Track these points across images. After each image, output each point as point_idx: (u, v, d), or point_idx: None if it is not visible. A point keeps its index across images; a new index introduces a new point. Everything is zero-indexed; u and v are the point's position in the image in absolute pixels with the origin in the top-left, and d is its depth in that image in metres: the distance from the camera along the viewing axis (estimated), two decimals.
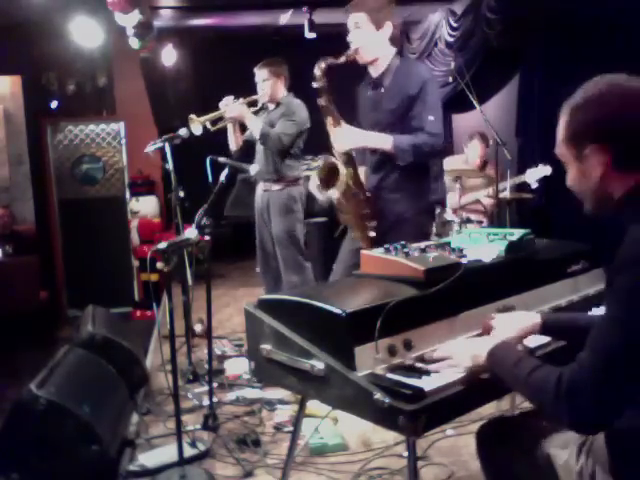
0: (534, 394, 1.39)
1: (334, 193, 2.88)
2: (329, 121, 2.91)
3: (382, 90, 2.97)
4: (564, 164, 1.49)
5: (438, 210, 4.78)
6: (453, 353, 1.59)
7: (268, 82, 4.20)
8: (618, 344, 1.26)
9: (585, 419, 1.29)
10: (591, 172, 1.41)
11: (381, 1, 2.91)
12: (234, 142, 4.30)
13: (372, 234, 2.96)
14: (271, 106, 4.30)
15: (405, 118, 2.88)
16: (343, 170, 2.86)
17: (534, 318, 1.74)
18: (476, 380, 1.54)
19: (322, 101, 2.87)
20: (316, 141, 4.22)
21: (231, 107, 4.07)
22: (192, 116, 4.06)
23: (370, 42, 2.90)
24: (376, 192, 3.00)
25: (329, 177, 2.90)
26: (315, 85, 2.85)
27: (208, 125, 4.09)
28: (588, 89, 1.42)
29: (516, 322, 1.72)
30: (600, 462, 1.46)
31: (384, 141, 2.87)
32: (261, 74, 4.22)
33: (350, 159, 2.94)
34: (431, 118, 2.83)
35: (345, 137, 2.88)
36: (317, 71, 2.83)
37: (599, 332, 1.31)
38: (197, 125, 4.04)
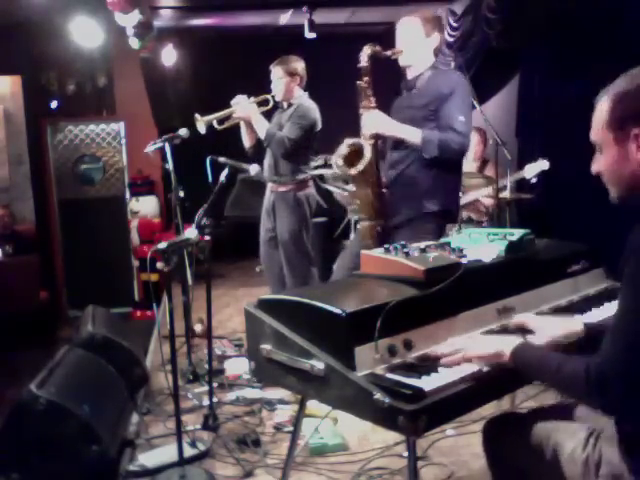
0: (566, 389, 1.49)
1: (354, 170, 2.90)
2: (363, 104, 2.95)
3: (414, 91, 3.05)
4: (598, 149, 1.53)
5: None
6: (468, 349, 1.61)
7: (282, 80, 4.10)
8: (635, 331, 1.34)
9: (618, 406, 1.39)
10: (632, 155, 1.45)
11: (433, 14, 3.11)
12: (248, 140, 4.20)
13: (378, 229, 2.98)
14: (285, 105, 4.20)
15: (435, 116, 2.92)
16: (368, 153, 2.89)
17: (575, 325, 1.76)
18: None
19: (362, 82, 2.92)
20: (328, 140, 4.15)
21: (240, 106, 4.00)
22: (197, 116, 4.04)
23: (414, 48, 3.00)
24: (391, 188, 3.03)
25: (353, 157, 2.93)
26: (359, 65, 2.91)
27: (215, 124, 4.04)
28: (629, 79, 1.46)
29: (558, 326, 1.75)
30: (607, 451, 1.50)
31: (413, 133, 2.92)
32: (276, 72, 4.13)
33: (375, 149, 2.97)
34: (461, 118, 2.88)
35: (376, 121, 2.93)
36: (364, 53, 2.90)
37: (617, 321, 1.39)
38: (201, 125, 3.97)
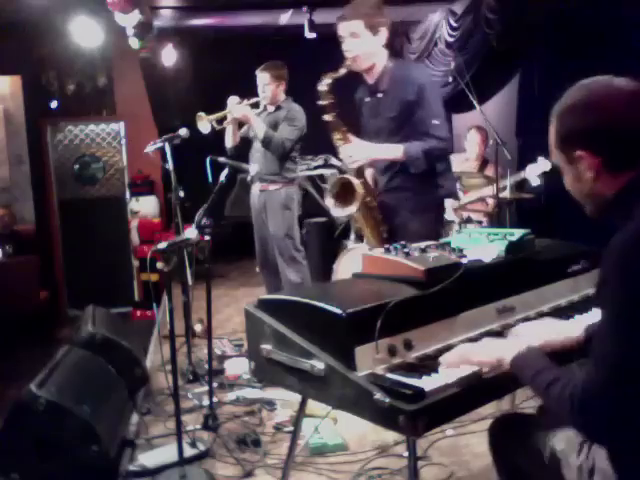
0: (553, 407, 1.42)
1: (353, 208, 2.87)
2: (337, 137, 2.89)
3: (379, 95, 2.95)
4: (560, 169, 1.50)
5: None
6: (471, 353, 1.59)
7: (269, 86, 4.27)
8: (618, 354, 1.28)
9: (599, 432, 1.33)
10: (583, 176, 1.42)
11: (374, 6, 2.85)
12: (232, 140, 4.34)
13: (385, 236, 3.00)
14: (270, 108, 4.37)
15: (407, 124, 2.86)
16: (357, 182, 2.84)
17: (574, 330, 1.72)
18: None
19: (329, 117, 2.85)
20: (314, 141, 4.26)
21: (237, 108, 4.14)
22: (201, 114, 4.10)
23: (368, 49, 2.84)
24: (386, 193, 3.02)
25: (343, 192, 2.90)
26: (321, 103, 2.83)
27: (214, 124, 4.15)
28: (573, 94, 1.44)
29: (555, 332, 1.71)
30: (600, 458, 1.48)
31: (395, 151, 2.86)
32: (263, 77, 4.28)
33: (359, 169, 2.94)
34: (435, 122, 2.81)
35: (356, 152, 2.86)
36: (321, 88, 2.81)
37: (599, 342, 1.33)
38: (205, 123, 4.12)
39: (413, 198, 2.94)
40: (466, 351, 1.60)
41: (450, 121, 7.55)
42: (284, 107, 4.30)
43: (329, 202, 2.94)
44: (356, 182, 2.86)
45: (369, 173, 3.09)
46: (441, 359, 1.60)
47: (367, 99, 3.03)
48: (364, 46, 2.83)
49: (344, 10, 2.86)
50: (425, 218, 2.94)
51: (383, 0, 2.91)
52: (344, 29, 2.83)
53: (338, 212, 2.97)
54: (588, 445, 1.53)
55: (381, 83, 2.92)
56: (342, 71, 2.81)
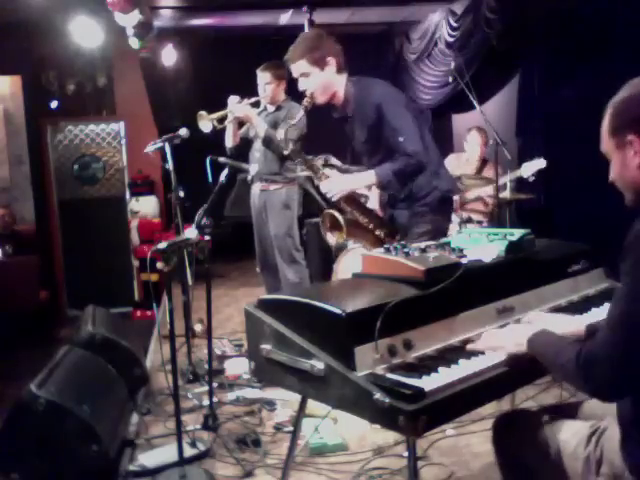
0: (562, 375, 1.55)
1: (340, 237, 2.96)
2: (316, 177, 3.02)
3: (350, 120, 2.96)
4: (608, 158, 1.57)
5: None
6: (495, 340, 1.69)
7: (270, 86, 4.28)
8: (627, 313, 1.39)
9: (602, 388, 1.43)
10: (630, 162, 1.50)
11: (314, 40, 2.88)
12: (232, 139, 4.34)
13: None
14: (270, 107, 4.37)
15: (381, 144, 2.86)
16: (340, 217, 2.94)
17: (578, 326, 1.80)
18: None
19: (301, 160, 3.05)
20: (315, 141, 4.25)
21: (238, 107, 4.13)
22: (202, 113, 4.09)
23: (320, 84, 2.85)
24: (390, 207, 3.05)
25: (334, 223, 2.99)
26: (286, 152, 3.04)
27: (215, 123, 4.14)
28: (629, 87, 1.53)
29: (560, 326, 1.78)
30: (608, 449, 1.52)
31: (368, 178, 2.89)
32: (264, 77, 4.28)
33: (349, 197, 2.99)
34: (400, 139, 2.77)
35: (334, 187, 2.94)
36: (290, 150, 3.00)
37: (614, 306, 1.44)
38: (206, 122, 4.11)
39: (412, 207, 2.94)
40: (492, 337, 1.70)
41: (450, 122, 7.59)
42: (284, 107, 4.30)
43: (324, 232, 3.06)
44: (339, 216, 2.94)
45: (375, 192, 3.15)
46: (468, 347, 1.70)
47: (344, 125, 3.04)
48: (317, 82, 2.85)
49: (288, 53, 2.91)
50: (430, 219, 2.92)
51: (322, 32, 2.94)
52: (294, 71, 2.89)
53: (332, 241, 3.07)
54: (597, 437, 1.56)
55: (348, 108, 2.92)
56: (301, 113, 2.99)
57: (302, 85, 2.88)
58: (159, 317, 4.77)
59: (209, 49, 7.50)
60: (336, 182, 2.96)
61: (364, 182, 2.95)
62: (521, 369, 1.65)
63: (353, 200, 3.03)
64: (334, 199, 2.95)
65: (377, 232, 3.01)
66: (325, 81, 2.85)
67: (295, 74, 2.90)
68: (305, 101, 2.88)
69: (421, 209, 2.92)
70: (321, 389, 1.60)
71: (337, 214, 2.95)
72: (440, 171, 2.97)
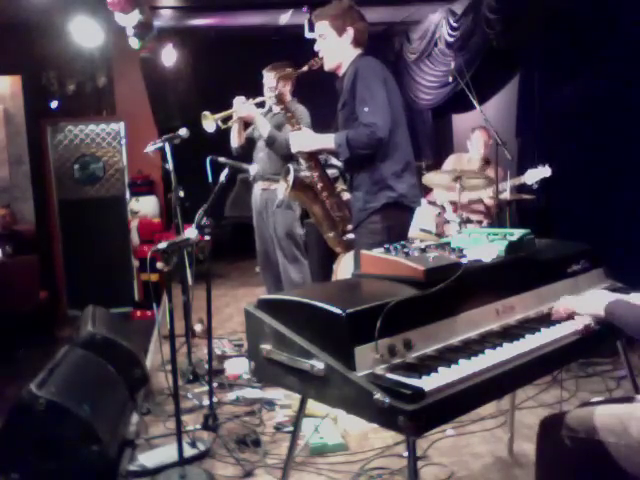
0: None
1: (285, 191, 3.32)
2: (289, 126, 3.18)
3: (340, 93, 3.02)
4: None
5: (438, 211, 4.78)
6: (576, 303, 1.88)
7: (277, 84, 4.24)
8: None
9: None
10: None
11: (341, 8, 2.96)
12: (237, 139, 4.34)
13: (350, 236, 3.10)
14: (276, 108, 4.32)
15: (354, 114, 2.87)
16: (290, 178, 3.25)
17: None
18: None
19: (280, 109, 3.16)
20: None
21: (242, 107, 4.13)
22: (206, 113, 4.09)
23: (332, 49, 2.95)
24: (351, 194, 3.08)
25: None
26: (271, 95, 3.14)
27: (219, 123, 4.13)
28: None
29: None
30: None
31: (329, 141, 2.95)
32: (270, 77, 4.25)
33: (314, 162, 3.13)
34: (365, 109, 2.79)
35: (298, 140, 3.07)
36: (271, 81, 3.08)
37: None
38: (210, 122, 4.10)
39: (362, 198, 2.94)
40: (572, 300, 1.90)
41: (450, 122, 7.58)
42: (290, 107, 4.28)
43: (282, 189, 3.36)
44: (290, 173, 3.29)
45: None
46: (554, 317, 1.90)
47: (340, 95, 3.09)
48: (330, 46, 2.95)
49: (315, 12, 3.01)
50: (374, 220, 2.89)
51: (353, 4, 2.99)
52: (316, 30, 2.99)
53: (282, 190, 3.44)
54: None
55: (344, 81, 2.97)
56: (304, 68, 3.02)
57: (317, 46, 2.99)
58: (159, 317, 4.77)
59: (209, 49, 7.50)
60: (302, 137, 3.08)
61: (324, 143, 3.01)
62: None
63: (317, 163, 3.16)
64: (293, 150, 3.11)
65: (327, 203, 3.17)
66: (338, 48, 2.96)
67: (316, 33, 3.00)
68: (314, 60, 2.98)
69: (371, 205, 2.91)
70: (321, 389, 1.60)
71: (292, 170, 3.19)
72: (404, 175, 2.91)
